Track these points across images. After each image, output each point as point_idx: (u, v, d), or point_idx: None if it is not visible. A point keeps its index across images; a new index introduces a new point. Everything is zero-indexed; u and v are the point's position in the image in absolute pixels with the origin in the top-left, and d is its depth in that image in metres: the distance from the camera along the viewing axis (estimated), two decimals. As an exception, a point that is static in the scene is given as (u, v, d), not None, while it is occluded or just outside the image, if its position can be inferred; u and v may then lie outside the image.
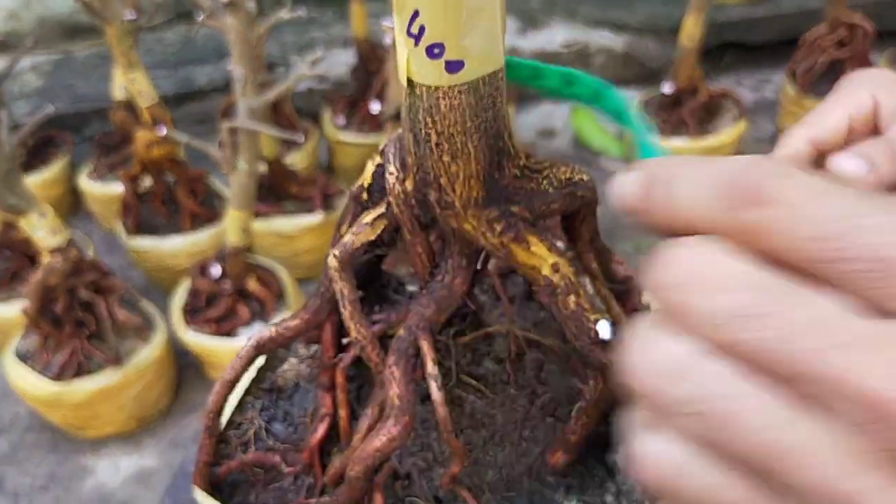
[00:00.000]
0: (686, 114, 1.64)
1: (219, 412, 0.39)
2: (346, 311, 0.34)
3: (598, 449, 0.38)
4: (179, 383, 1.37)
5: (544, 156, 0.38)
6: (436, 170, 0.31)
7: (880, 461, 0.16)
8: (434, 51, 0.28)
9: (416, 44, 0.28)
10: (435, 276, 0.35)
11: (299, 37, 2.08)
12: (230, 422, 0.41)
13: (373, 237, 0.35)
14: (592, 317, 0.32)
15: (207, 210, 1.47)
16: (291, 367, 0.44)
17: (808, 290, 0.17)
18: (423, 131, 0.30)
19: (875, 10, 1.93)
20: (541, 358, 0.40)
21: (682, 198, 0.19)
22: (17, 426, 1.32)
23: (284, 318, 0.37)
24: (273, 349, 0.39)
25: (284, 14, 1.17)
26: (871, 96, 0.33)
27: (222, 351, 1.25)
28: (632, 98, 1.93)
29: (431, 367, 0.33)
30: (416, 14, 0.27)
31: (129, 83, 1.32)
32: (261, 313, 1.28)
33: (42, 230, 1.09)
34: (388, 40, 1.13)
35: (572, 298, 0.32)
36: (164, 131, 1.31)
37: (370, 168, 0.35)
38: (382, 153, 0.35)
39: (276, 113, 1.56)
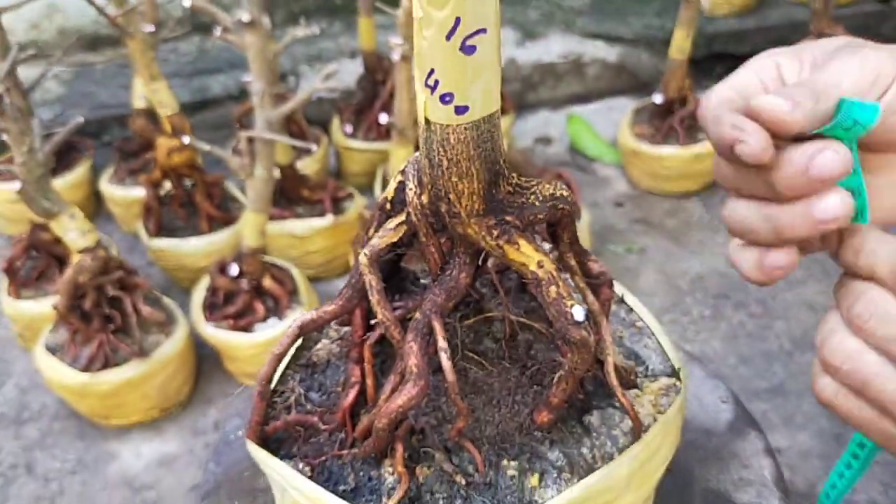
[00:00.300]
0: (676, 122, 1.67)
1: (269, 381, 0.44)
2: (373, 299, 0.39)
3: (576, 412, 0.43)
4: (199, 375, 1.39)
5: (539, 164, 0.44)
6: (446, 187, 0.37)
7: None
8: (446, 98, 0.33)
9: (432, 93, 0.33)
10: (445, 272, 0.40)
11: (309, 48, 2.11)
12: (274, 391, 0.46)
13: (395, 239, 0.41)
14: (569, 303, 0.37)
15: (223, 213, 1.50)
16: (324, 346, 0.49)
17: None
18: (436, 157, 0.36)
19: (857, 21, 1.98)
20: (530, 338, 0.45)
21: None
22: (45, 415, 1.34)
23: (322, 305, 0.44)
24: (313, 329, 0.44)
25: (299, 31, 1.22)
26: (774, 63, 0.36)
27: (240, 344, 1.28)
28: (624, 107, 1.97)
29: (442, 343, 0.38)
30: (432, 71, 0.33)
31: (150, 94, 1.34)
32: (275, 310, 1.31)
33: (73, 231, 1.12)
34: (395, 56, 1.19)
35: (554, 289, 0.37)
36: (187, 140, 1.33)
37: (393, 184, 0.43)
38: (403, 172, 0.41)
39: (287, 121, 1.58)
